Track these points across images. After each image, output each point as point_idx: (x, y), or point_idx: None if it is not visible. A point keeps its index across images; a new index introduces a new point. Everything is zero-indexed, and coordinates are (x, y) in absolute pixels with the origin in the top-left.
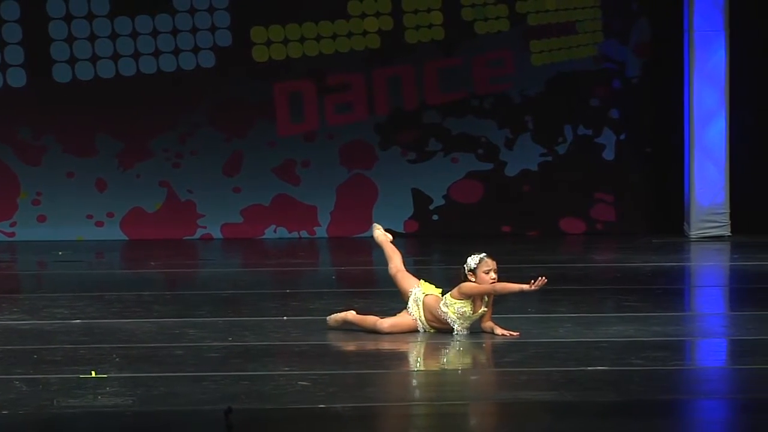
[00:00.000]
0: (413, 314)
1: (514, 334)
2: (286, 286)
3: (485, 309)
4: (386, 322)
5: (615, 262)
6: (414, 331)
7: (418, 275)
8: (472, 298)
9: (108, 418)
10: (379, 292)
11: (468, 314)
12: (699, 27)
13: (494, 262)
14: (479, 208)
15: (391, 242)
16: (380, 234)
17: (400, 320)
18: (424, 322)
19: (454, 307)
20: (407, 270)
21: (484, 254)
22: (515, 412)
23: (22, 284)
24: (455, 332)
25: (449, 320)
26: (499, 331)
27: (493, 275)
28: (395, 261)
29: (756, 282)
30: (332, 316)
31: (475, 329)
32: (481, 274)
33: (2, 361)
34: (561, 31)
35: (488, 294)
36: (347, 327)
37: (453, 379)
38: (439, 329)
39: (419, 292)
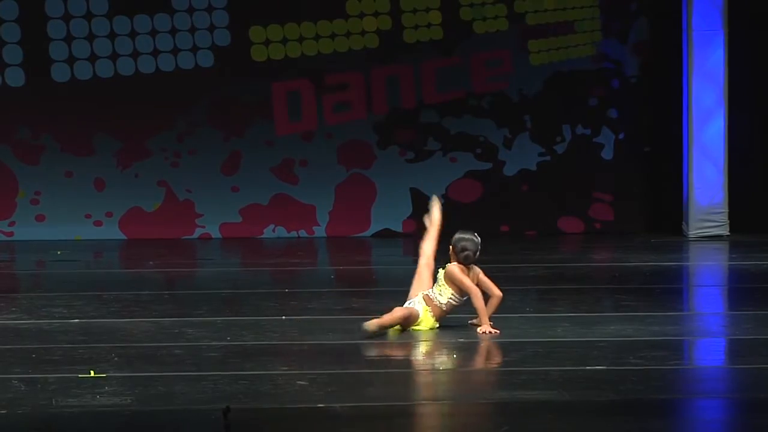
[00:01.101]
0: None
1: (494, 331)
2: (284, 286)
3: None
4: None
5: (613, 261)
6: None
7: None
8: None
9: (106, 418)
10: (378, 291)
11: (441, 283)
12: (698, 26)
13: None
14: (478, 207)
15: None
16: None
17: (401, 312)
18: (428, 312)
19: (439, 289)
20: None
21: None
22: (513, 412)
23: (20, 284)
24: (445, 300)
25: (439, 298)
26: (479, 329)
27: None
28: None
29: (754, 281)
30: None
31: (469, 326)
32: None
33: (1, 361)
34: (559, 31)
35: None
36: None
37: (451, 378)
38: (438, 314)
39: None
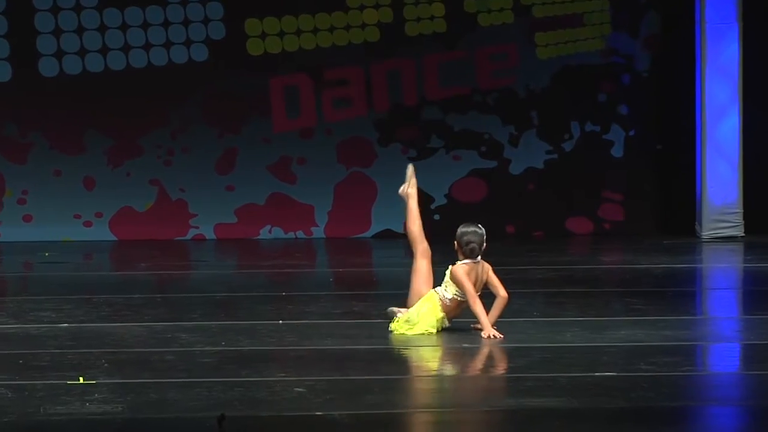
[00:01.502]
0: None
1: (498, 335)
2: (281, 289)
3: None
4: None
5: (623, 263)
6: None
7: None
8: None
9: (96, 426)
10: (379, 294)
11: (447, 279)
12: (711, 19)
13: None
14: (482, 207)
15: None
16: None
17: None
18: (437, 300)
19: (445, 285)
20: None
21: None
22: (520, 420)
23: (7, 286)
24: (450, 296)
25: (444, 293)
26: (483, 333)
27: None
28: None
29: None
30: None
31: (472, 329)
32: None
33: None
34: (567, 24)
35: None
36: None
37: (454, 385)
38: (444, 309)
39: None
